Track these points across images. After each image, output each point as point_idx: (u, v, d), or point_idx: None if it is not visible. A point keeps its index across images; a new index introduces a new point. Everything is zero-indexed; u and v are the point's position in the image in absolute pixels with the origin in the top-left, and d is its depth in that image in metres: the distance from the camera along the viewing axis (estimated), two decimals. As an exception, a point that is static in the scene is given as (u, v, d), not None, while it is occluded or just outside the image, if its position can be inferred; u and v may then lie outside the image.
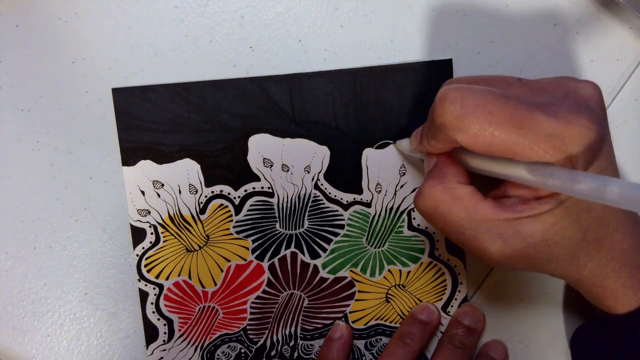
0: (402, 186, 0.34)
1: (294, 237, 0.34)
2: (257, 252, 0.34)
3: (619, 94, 0.34)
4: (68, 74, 0.33)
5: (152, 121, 0.33)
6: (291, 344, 0.34)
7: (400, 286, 0.34)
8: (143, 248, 0.33)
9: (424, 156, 0.29)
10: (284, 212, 0.34)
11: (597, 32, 0.34)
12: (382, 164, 0.34)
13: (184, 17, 0.33)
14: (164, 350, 0.34)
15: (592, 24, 0.34)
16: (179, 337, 0.34)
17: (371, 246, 0.34)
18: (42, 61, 0.32)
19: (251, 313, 0.34)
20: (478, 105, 0.23)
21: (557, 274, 0.27)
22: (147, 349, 0.34)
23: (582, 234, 0.25)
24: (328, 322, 0.34)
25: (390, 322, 0.35)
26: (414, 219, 0.34)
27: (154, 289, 0.34)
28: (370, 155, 0.33)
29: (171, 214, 0.33)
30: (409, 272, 0.34)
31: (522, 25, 0.34)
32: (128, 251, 0.34)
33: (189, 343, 0.34)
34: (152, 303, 0.34)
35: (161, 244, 0.33)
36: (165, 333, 0.34)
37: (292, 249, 0.34)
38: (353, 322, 0.35)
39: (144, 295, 0.34)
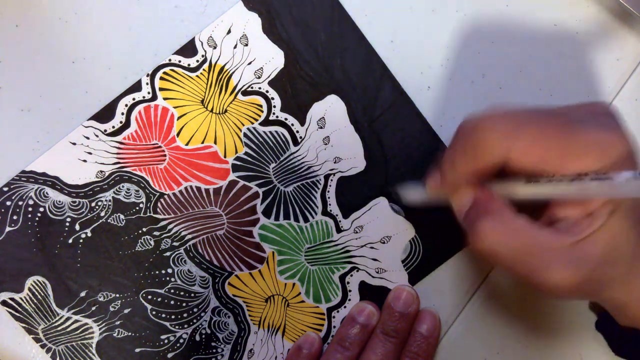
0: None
1: (274, 189, 0.33)
2: (240, 170, 0.33)
3: (619, 94, 0.34)
4: (68, 74, 0.33)
5: None
6: (176, 243, 0.33)
7: (286, 302, 0.33)
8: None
9: (449, 197, 0.27)
10: (287, 164, 0.33)
11: (597, 32, 0.34)
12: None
13: (184, 17, 0.33)
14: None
15: (592, 24, 0.34)
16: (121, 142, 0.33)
17: (305, 259, 0.33)
18: (42, 61, 0.32)
19: (179, 191, 0.33)
20: (530, 120, 0.23)
21: (610, 298, 0.26)
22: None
23: (632, 250, 0.24)
24: (216, 266, 0.33)
25: (251, 316, 0.33)
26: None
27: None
28: (382, 204, 0.33)
29: None
30: (303, 302, 0.33)
31: (522, 25, 0.34)
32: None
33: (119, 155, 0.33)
34: None
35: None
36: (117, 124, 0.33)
37: (261, 194, 0.33)
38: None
39: None
